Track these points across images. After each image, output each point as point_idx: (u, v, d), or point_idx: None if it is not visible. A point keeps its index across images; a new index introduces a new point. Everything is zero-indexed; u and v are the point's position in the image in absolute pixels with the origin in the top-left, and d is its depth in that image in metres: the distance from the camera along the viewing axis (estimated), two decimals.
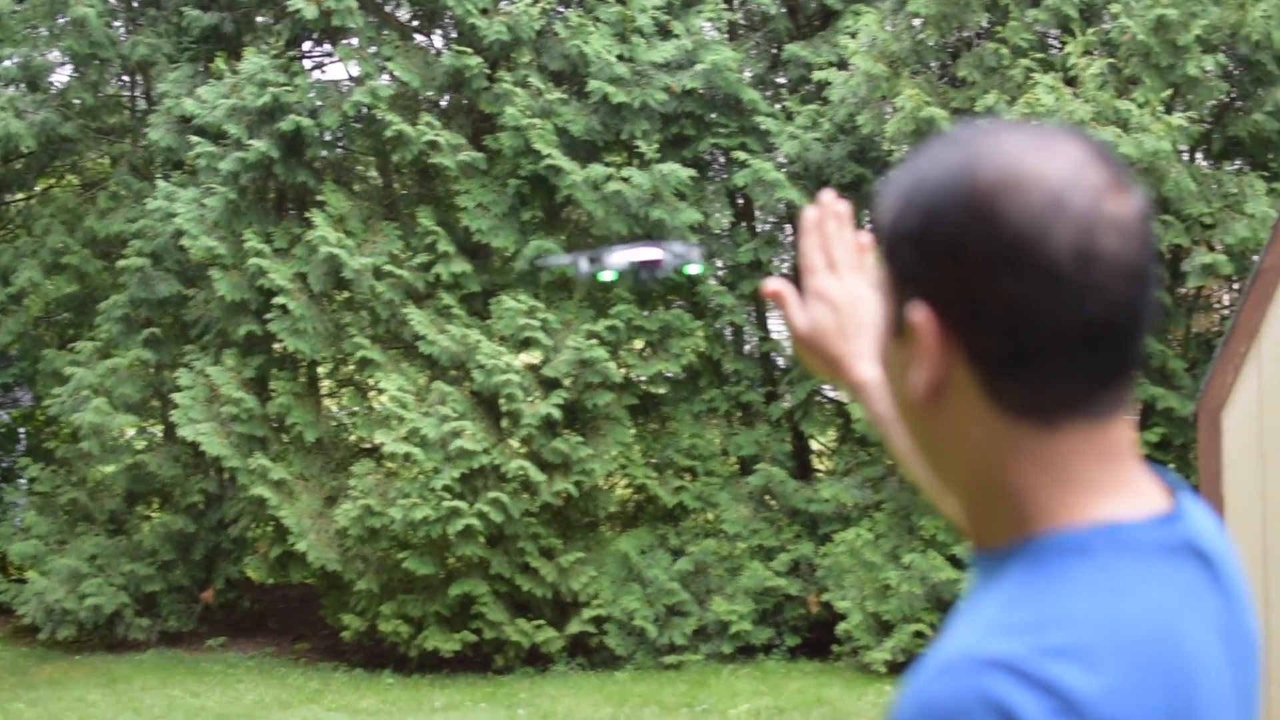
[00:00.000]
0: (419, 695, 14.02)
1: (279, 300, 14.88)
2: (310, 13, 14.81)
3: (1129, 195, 1.50)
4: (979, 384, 1.50)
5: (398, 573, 14.74)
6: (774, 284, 2.29)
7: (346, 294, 15.38)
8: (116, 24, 17.28)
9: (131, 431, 16.54)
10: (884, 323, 1.61)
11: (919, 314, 1.51)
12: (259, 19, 16.98)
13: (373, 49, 15.48)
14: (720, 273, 16.14)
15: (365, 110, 15.22)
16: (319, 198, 15.27)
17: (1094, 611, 1.41)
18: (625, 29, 15.25)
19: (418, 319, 14.74)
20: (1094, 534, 1.48)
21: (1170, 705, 1.40)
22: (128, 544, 16.35)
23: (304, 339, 14.98)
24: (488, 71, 15.10)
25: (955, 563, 13.77)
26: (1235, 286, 14.75)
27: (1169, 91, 13.49)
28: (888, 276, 1.59)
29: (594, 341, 14.66)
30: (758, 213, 16.92)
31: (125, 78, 18.36)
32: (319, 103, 15.43)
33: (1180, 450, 13.78)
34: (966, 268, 1.48)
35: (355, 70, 15.71)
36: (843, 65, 15.38)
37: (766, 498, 15.65)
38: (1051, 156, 1.49)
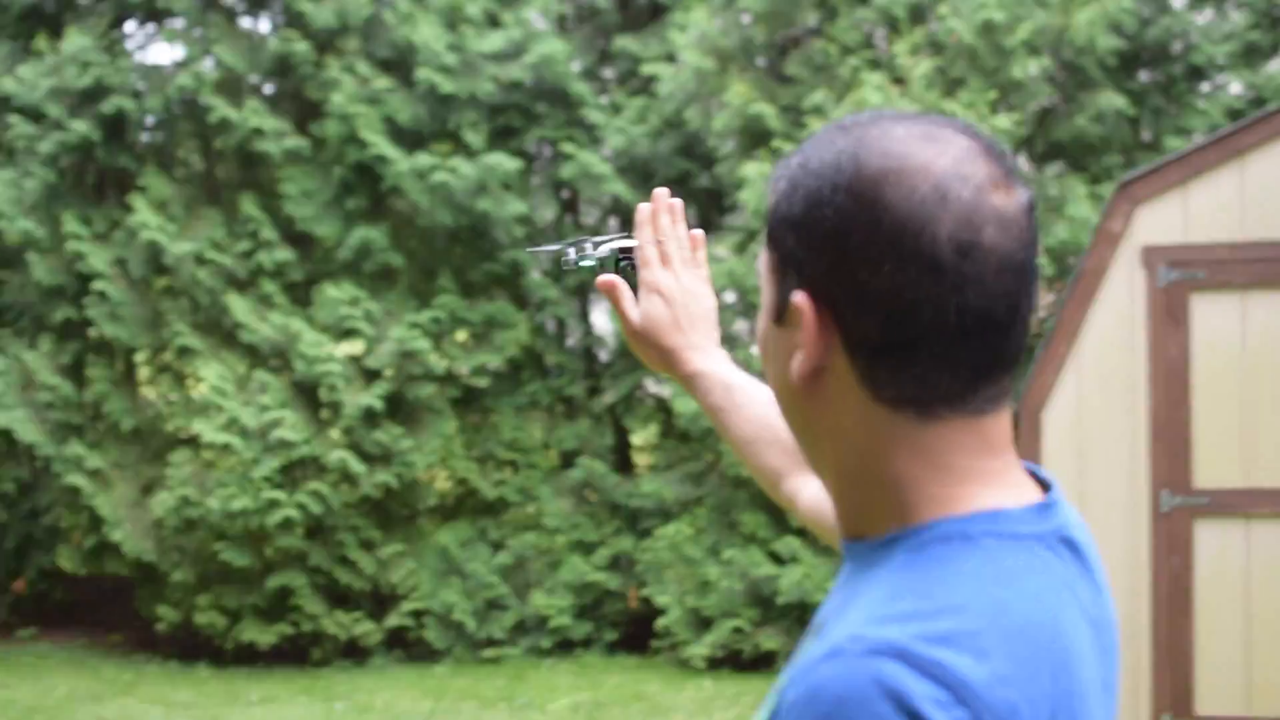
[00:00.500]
0: (235, 688, 13.84)
1: (97, 286, 14.59)
2: None
3: (1014, 190, 1.51)
4: (857, 372, 1.52)
5: (214, 564, 14.53)
6: (608, 276, 2.33)
7: (166, 281, 15.11)
8: None
9: None
10: (765, 307, 1.62)
11: (799, 299, 1.52)
12: None
13: (198, 31, 15.25)
14: (544, 265, 16.13)
15: (189, 94, 14.97)
16: (140, 182, 14.96)
17: (980, 598, 1.42)
18: (455, 18, 15.14)
19: (239, 307, 14.54)
20: (976, 521, 1.49)
21: (1053, 691, 1.41)
22: None
23: (122, 325, 14.72)
24: (315, 58, 14.93)
25: (775, 559, 13.84)
26: (1056, 288, 14.96)
27: (995, 93, 13.68)
28: (771, 261, 1.60)
29: (417, 332, 14.55)
30: (584, 206, 16.90)
31: None
32: (142, 85, 15.16)
33: None
34: (848, 255, 1.48)
35: (179, 53, 15.45)
36: (671, 60, 15.42)
37: (587, 492, 15.64)
38: (938, 148, 1.50)
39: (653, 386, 16.45)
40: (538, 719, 12.48)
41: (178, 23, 15.54)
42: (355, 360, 14.74)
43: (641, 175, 15.47)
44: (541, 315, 15.99)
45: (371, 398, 14.32)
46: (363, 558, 14.67)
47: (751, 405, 2.34)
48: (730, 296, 14.14)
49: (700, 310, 2.34)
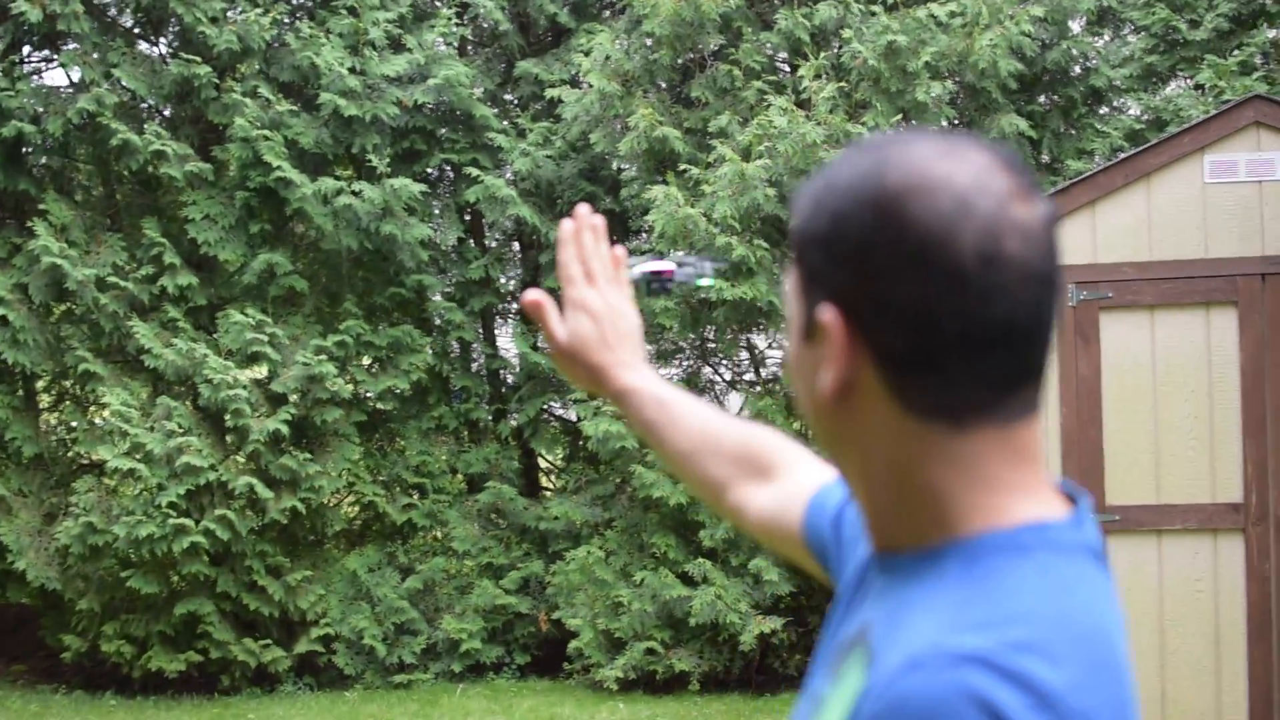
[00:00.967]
0: (143, 717, 13.73)
1: None
2: (34, 15, 14.34)
3: (1035, 202, 1.53)
4: (887, 385, 1.53)
5: (121, 591, 14.40)
6: (534, 295, 2.34)
7: (68, 306, 14.99)
8: None
9: None
10: (794, 326, 1.64)
11: (827, 315, 1.55)
12: None
13: (97, 55, 15.11)
14: (448, 289, 16.10)
15: (89, 118, 14.82)
16: (41, 207, 14.80)
17: (1044, 608, 1.43)
18: (357, 42, 15.10)
19: (142, 332, 14.42)
20: (1026, 533, 1.51)
21: (1118, 698, 1.44)
22: None
23: (23, 351, 14.54)
24: (216, 81, 14.84)
25: (687, 580, 13.90)
26: None
27: (898, 116, 13.82)
28: (798, 279, 1.62)
29: (323, 357, 14.50)
30: (487, 229, 16.88)
31: None
32: (41, 109, 15.02)
33: None
34: (873, 269, 1.50)
35: (77, 76, 15.31)
36: (575, 83, 15.46)
37: (495, 516, 15.65)
38: (959, 162, 1.52)
39: (559, 409, 16.48)
40: None
41: (77, 46, 15.37)
42: (261, 385, 14.65)
43: (546, 199, 15.52)
44: (447, 339, 15.97)
45: (277, 423, 14.23)
46: (271, 584, 14.57)
47: (688, 418, 2.34)
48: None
49: (627, 327, 2.36)
